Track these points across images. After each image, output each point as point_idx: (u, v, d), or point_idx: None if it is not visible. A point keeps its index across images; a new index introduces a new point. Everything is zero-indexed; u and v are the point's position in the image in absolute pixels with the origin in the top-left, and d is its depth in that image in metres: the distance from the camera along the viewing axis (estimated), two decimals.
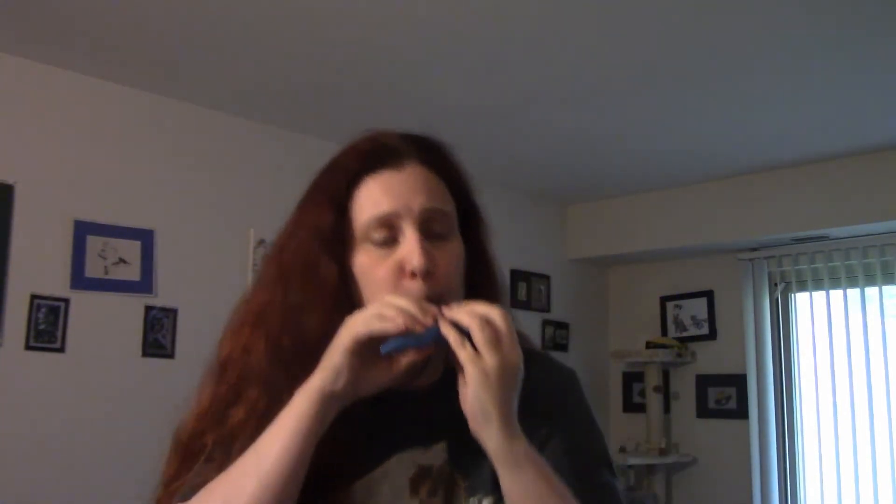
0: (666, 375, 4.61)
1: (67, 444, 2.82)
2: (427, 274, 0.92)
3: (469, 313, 0.87)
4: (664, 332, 4.71)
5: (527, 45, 2.75)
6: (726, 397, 4.44)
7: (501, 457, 0.87)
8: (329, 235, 0.96)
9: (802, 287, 4.27)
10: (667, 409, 4.58)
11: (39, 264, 2.83)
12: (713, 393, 4.50)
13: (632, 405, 4.80)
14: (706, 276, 4.60)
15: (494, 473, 0.92)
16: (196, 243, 3.24)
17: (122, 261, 3.02)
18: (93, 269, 2.95)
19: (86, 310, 2.91)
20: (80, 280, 2.91)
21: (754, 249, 4.35)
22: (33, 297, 2.80)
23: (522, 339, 0.96)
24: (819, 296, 4.21)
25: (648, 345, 4.55)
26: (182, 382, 3.04)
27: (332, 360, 0.87)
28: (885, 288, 3.99)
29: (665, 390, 4.57)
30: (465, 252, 0.99)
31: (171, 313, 3.12)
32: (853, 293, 4.08)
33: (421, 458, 0.97)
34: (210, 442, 0.97)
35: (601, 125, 3.52)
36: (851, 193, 3.86)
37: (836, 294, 4.13)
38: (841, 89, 3.08)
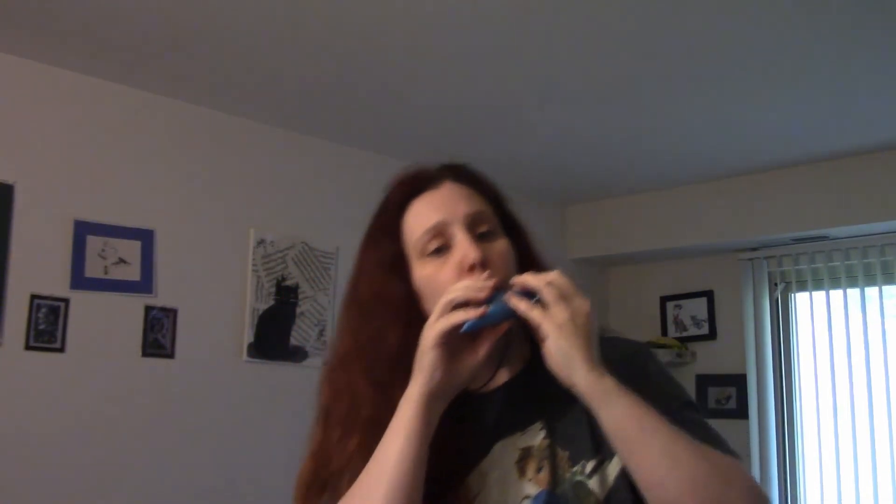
0: None
1: (67, 444, 2.82)
2: (484, 264, 1.02)
3: (533, 277, 0.98)
4: (664, 332, 4.71)
5: (527, 45, 2.75)
6: (726, 397, 4.44)
7: (593, 393, 0.93)
8: (391, 262, 1.07)
9: (802, 287, 4.27)
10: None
11: (39, 264, 2.83)
12: (713, 393, 4.50)
13: None
14: (706, 276, 4.60)
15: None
16: (196, 243, 3.24)
17: (122, 261, 3.02)
18: (93, 269, 2.95)
19: (86, 310, 2.91)
20: (80, 280, 2.91)
21: (754, 249, 4.35)
22: (33, 297, 2.80)
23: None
24: (819, 296, 4.21)
25: (648, 345, 4.55)
26: (182, 382, 3.07)
27: (423, 362, 0.96)
28: (885, 288, 3.99)
29: None
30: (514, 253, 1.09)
31: (171, 313, 3.12)
32: (853, 293, 4.08)
33: (521, 441, 1.05)
34: (328, 477, 1.04)
35: (601, 125, 3.52)
36: (851, 193, 3.86)
37: (836, 294, 4.12)
38: (841, 89, 3.08)
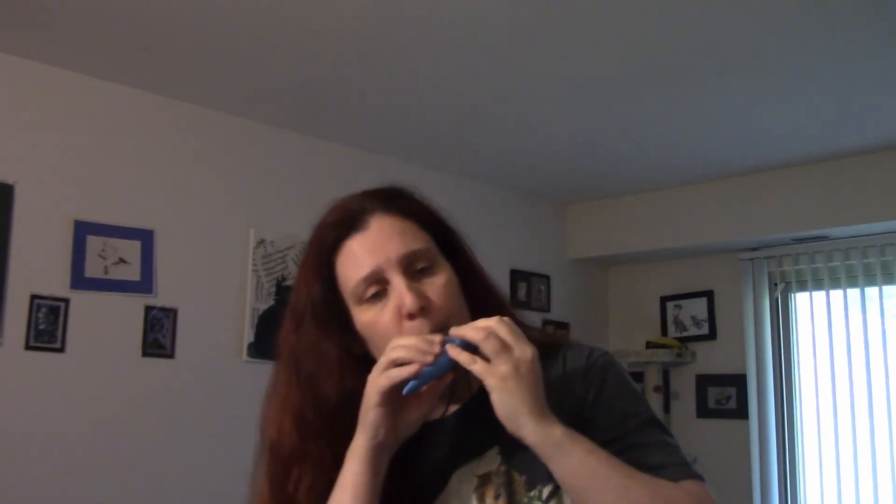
0: (666, 375, 4.61)
1: (67, 444, 2.82)
2: (422, 310, 0.98)
3: (473, 329, 0.94)
4: (664, 332, 4.71)
5: (527, 45, 2.75)
6: (726, 397, 4.44)
7: (543, 447, 0.92)
8: (322, 309, 1.04)
9: (802, 287, 4.27)
10: (667, 409, 4.58)
11: (39, 264, 2.83)
12: (713, 393, 4.50)
13: None
14: (706, 276, 4.60)
15: None
16: (196, 243, 3.24)
17: (122, 261, 3.02)
18: (93, 269, 2.95)
19: (86, 310, 2.91)
20: (80, 280, 2.91)
21: (754, 249, 4.35)
22: (33, 297, 2.80)
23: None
24: (819, 296, 4.21)
25: (648, 345, 4.55)
26: (182, 382, 3.08)
27: (366, 418, 0.95)
28: (885, 288, 3.99)
29: (665, 390, 4.57)
30: (456, 276, 1.05)
31: (171, 313, 3.12)
32: (853, 293, 4.08)
33: (478, 468, 1.03)
34: None
35: (601, 125, 3.52)
36: (851, 193, 3.86)
37: (836, 294, 4.13)
38: (841, 89, 3.08)
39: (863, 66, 2.86)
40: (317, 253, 1.06)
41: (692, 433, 4.53)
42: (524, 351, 0.92)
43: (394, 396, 0.94)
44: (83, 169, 2.98)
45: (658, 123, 3.49)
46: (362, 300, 1.02)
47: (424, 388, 0.95)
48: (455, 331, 0.95)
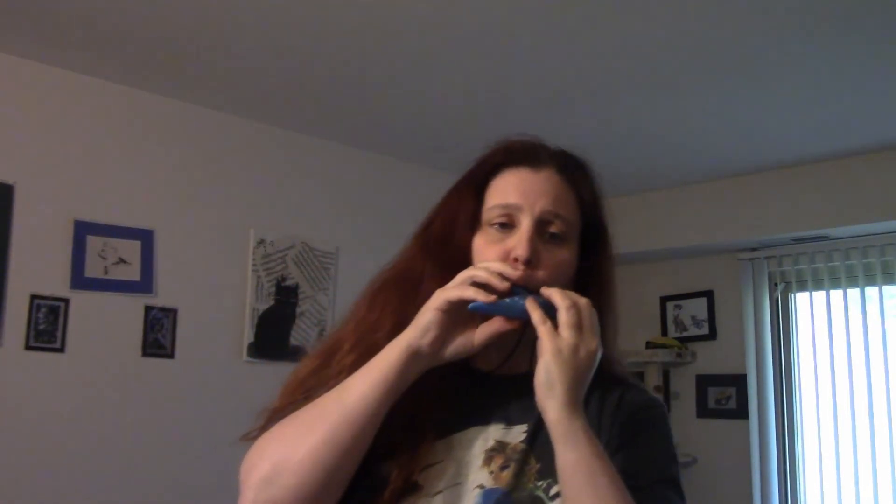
0: (666, 375, 4.61)
1: (67, 443, 2.83)
2: (527, 263, 1.00)
3: (563, 295, 0.95)
4: (664, 332, 4.71)
5: (527, 46, 2.75)
6: (726, 397, 4.44)
7: (558, 429, 0.92)
8: (466, 218, 1.07)
9: (802, 287, 4.27)
10: (667, 408, 4.57)
11: (39, 264, 2.84)
12: (713, 393, 4.50)
13: None
14: (706, 276, 4.60)
15: None
16: (196, 243, 3.24)
17: (122, 261, 3.02)
18: (93, 269, 2.95)
19: (86, 310, 2.91)
20: (80, 280, 2.91)
21: (754, 249, 4.35)
22: (33, 297, 2.80)
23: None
24: (819, 296, 4.21)
25: (648, 345, 4.55)
26: (182, 382, 3.09)
27: (422, 318, 0.96)
28: (885, 288, 3.99)
29: (665, 390, 4.57)
30: (577, 266, 1.07)
31: (171, 313, 3.12)
32: (853, 293, 4.08)
33: (501, 434, 1.04)
34: (314, 382, 1.05)
35: (600, 126, 3.52)
36: (851, 193, 3.86)
37: (836, 294, 4.12)
38: (841, 90, 3.08)
39: (862, 66, 2.86)
40: (483, 165, 1.11)
41: (692, 433, 4.53)
42: (592, 340, 0.93)
43: (457, 312, 0.96)
44: (83, 169, 2.99)
45: (657, 124, 3.49)
46: (489, 223, 1.05)
47: (487, 322, 0.97)
48: (546, 290, 0.96)
